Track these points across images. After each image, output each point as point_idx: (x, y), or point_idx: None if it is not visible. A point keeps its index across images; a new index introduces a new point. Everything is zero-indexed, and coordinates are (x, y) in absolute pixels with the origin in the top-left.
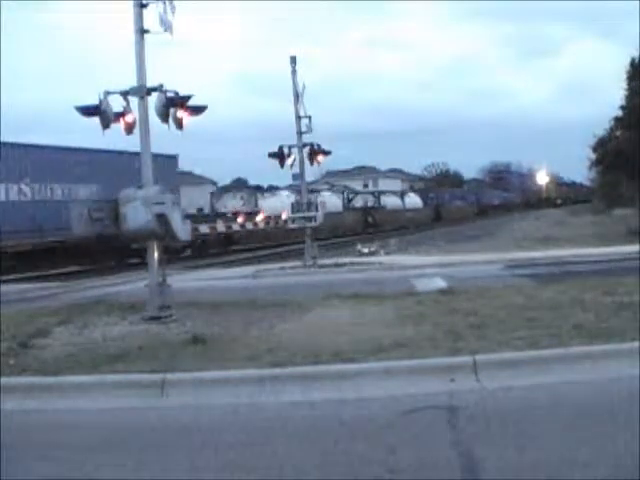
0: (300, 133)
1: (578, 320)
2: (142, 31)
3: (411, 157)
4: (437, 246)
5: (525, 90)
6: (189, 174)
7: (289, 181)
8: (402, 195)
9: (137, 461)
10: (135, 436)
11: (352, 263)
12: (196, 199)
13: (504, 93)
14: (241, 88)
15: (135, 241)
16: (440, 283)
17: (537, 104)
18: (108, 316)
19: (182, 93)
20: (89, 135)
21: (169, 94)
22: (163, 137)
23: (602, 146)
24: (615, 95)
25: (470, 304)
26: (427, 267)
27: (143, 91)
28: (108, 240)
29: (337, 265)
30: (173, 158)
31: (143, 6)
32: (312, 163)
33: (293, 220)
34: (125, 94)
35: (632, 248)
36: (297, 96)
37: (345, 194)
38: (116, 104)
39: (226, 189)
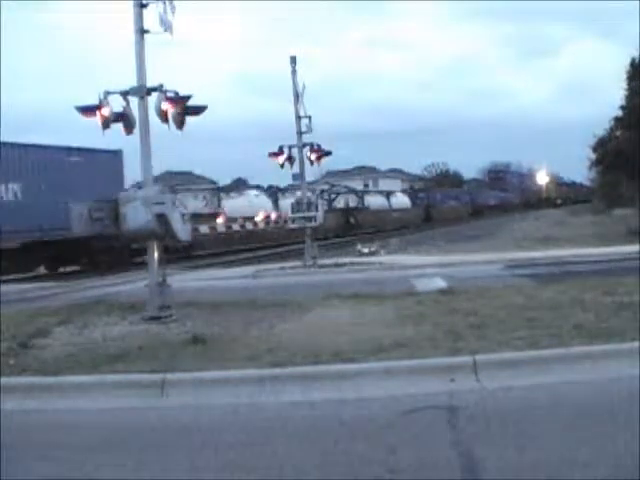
0: (300, 133)
1: (578, 320)
2: (142, 31)
3: (411, 157)
4: (437, 246)
5: (525, 90)
6: (189, 174)
7: (289, 181)
8: (388, 195)
9: (137, 461)
10: (135, 436)
11: (352, 263)
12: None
13: (504, 93)
14: (241, 88)
15: (135, 241)
16: (440, 283)
17: (537, 104)
18: (108, 316)
19: (182, 93)
20: (89, 135)
21: (169, 94)
22: (163, 137)
23: (602, 146)
24: (615, 95)
25: (470, 304)
26: (427, 267)
27: (143, 91)
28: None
29: (337, 265)
30: (117, 153)
31: (143, 6)
32: (312, 163)
33: (293, 220)
34: (125, 94)
35: (632, 248)
36: (297, 96)
37: (325, 194)
38: (116, 104)
39: (187, 188)
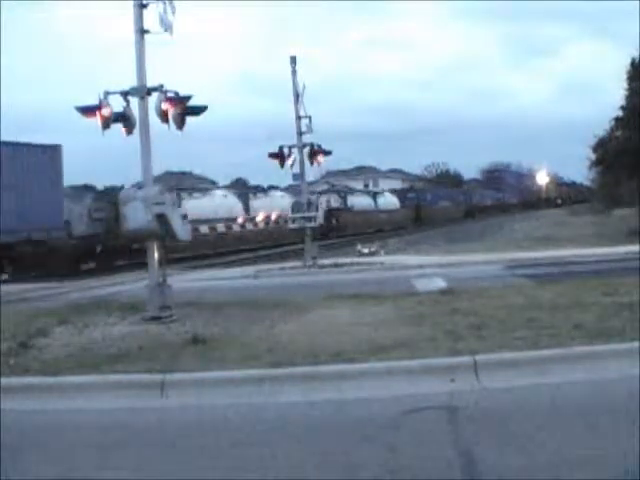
0: (300, 133)
1: (578, 320)
2: (142, 31)
3: (411, 157)
4: (437, 246)
5: (525, 90)
6: (189, 174)
7: (289, 181)
8: (374, 195)
9: (137, 461)
10: (135, 436)
11: (352, 263)
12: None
13: (504, 93)
14: (241, 88)
15: (135, 241)
16: (440, 283)
17: (537, 104)
18: (108, 316)
19: (182, 93)
20: (89, 135)
21: (169, 94)
22: (163, 137)
23: (602, 146)
24: (615, 95)
25: (470, 304)
26: (427, 267)
27: (143, 91)
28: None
29: (337, 265)
30: (55, 148)
31: (143, 6)
32: (312, 163)
33: (293, 220)
34: (125, 94)
35: (632, 248)
36: (297, 96)
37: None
38: (116, 104)
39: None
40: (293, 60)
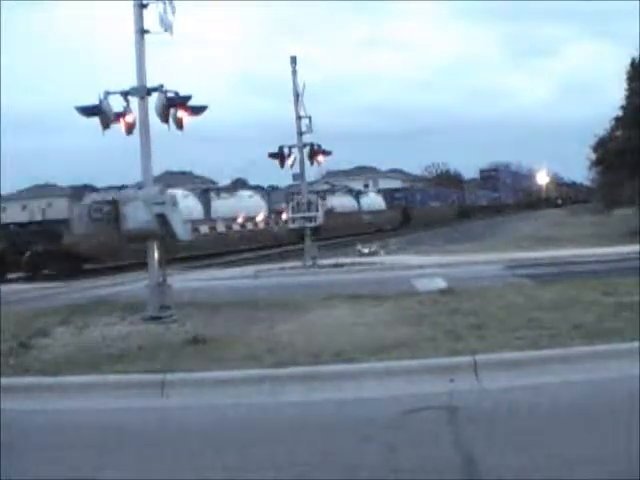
0: (300, 133)
1: (578, 320)
2: (142, 31)
3: (411, 157)
4: (437, 246)
5: (525, 90)
6: (189, 174)
7: (289, 181)
8: (357, 194)
9: (137, 461)
10: (135, 436)
11: (353, 263)
12: None
13: (504, 93)
14: (241, 88)
15: (135, 241)
16: (440, 283)
17: (537, 104)
18: (108, 316)
19: (182, 93)
20: (89, 135)
21: (169, 94)
22: (163, 137)
23: (602, 146)
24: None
25: (470, 304)
26: (428, 267)
27: (143, 91)
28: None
29: (337, 265)
30: None
31: (143, 6)
32: (312, 163)
33: (293, 220)
34: (125, 94)
35: (632, 248)
36: (297, 96)
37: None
38: (116, 104)
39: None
40: (293, 60)
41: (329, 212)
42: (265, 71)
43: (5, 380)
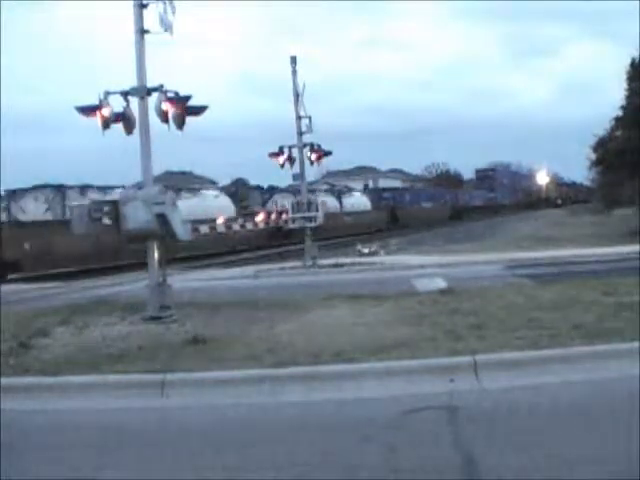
0: (300, 133)
1: (578, 320)
2: (142, 31)
3: (411, 157)
4: (437, 246)
5: (525, 90)
6: (189, 174)
7: (289, 181)
8: (339, 194)
9: (137, 461)
10: (135, 436)
11: (353, 263)
12: None
13: (504, 93)
14: (241, 88)
15: (135, 241)
16: (440, 283)
17: (537, 104)
18: (108, 316)
19: (182, 93)
20: (89, 135)
21: (169, 94)
22: (163, 137)
23: (602, 146)
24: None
25: (470, 304)
26: (428, 267)
27: (143, 91)
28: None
29: (337, 265)
30: None
31: (143, 6)
32: (312, 163)
33: (293, 220)
34: (125, 94)
35: (632, 248)
36: (297, 96)
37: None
38: (116, 104)
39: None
40: (293, 60)
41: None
42: (265, 71)
43: (5, 380)
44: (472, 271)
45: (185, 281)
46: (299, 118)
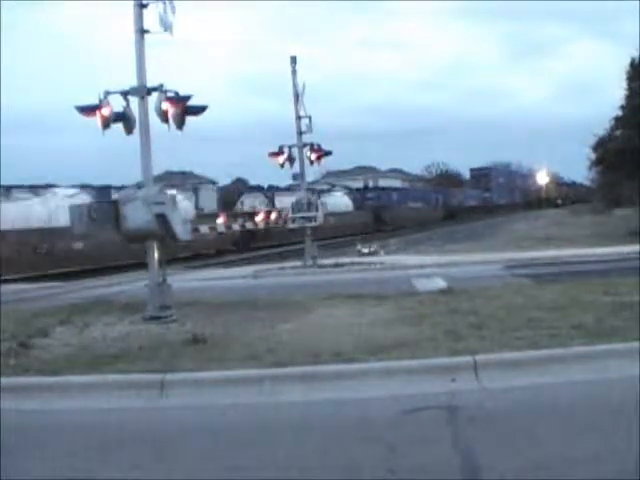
0: (300, 133)
1: (578, 320)
2: (142, 31)
3: (411, 157)
4: (437, 246)
5: (525, 90)
6: (189, 174)
7: (289, 181)
8: (319, 194)
9: (137, 461)
10: (135, 436)
11: (353, 263)
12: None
13: (504, 93)
14: (241, 88)
15: (135, 241)
16: (440, 283)
17: (537, 104)
18: (108, 316)
19: (182, 93)
20: (89, 135)
21: (169, 94)
22: (163, 137)
23: (602, 146)
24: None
25: (470, 304)
26: (428, 267)
27: (143, 91)
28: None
29: (337, 265)
30: None
31: (143, 6)
32: (312, 163)
33: (293, 220)
34: (125, 94)
35: (632, 248)
36: (297, 96)
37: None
38: (116, 104)
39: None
40: (293, 60)
41: (279, 214)
42: (265, 71)
43: (5, 380)
44: (472, 271)
45: (185, 281)
46: (299, 118)
